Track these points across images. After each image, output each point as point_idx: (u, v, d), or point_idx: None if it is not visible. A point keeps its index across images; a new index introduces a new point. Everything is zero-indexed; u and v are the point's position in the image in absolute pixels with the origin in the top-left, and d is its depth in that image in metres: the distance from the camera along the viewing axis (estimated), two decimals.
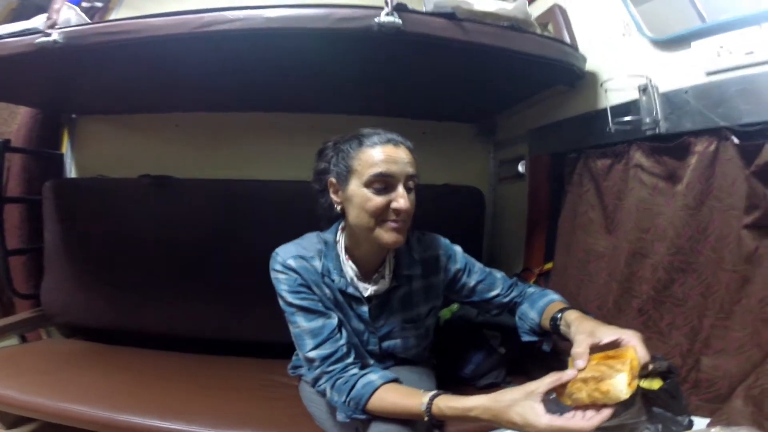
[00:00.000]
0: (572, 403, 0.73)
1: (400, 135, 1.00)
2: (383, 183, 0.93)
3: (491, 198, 2.01)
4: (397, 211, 0.93)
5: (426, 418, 0.84)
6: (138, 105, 1.87)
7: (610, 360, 0.73)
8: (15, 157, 1.86)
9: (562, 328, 0.95)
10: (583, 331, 0.82)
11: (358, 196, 0.95)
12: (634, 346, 0.75)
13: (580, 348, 0.78)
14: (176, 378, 1.41)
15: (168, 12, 1.07)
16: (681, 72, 1.04)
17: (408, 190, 0.96)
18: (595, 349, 0.78)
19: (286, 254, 1.02)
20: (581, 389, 0.72)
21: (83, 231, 1.72)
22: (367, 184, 0.94)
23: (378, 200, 0.93)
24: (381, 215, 0.94)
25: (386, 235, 0.95)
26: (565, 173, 1.44)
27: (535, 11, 1.44)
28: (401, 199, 0.92)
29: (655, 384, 0.80)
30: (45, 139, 1.95)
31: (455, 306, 1.47)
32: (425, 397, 0.85)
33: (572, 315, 0.93)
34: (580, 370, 0.74)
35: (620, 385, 0.68)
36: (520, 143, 1.77)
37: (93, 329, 1.75)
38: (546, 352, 1.10)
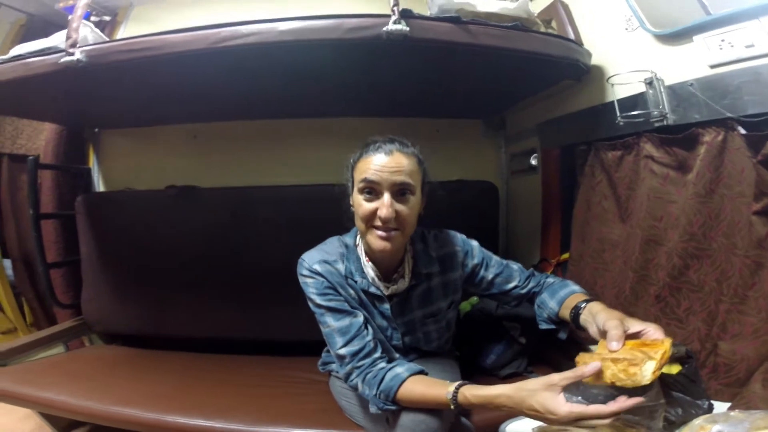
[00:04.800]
0: (592, 381, 0.76)
1: (402, 142, 1.03)
2: (370, 189, 0.99)
3: (505, 191, 2.01)
4: (381, 219, 0.98)
5: (452, 406, 0.89)
6: (157, 117, 1.93)
7: (646, 347, 0.77)
8: (46, 174, 1.95)
9: (583, 316, 0.98)
10: (615, 318, 0.86)
11: (356, 202, 1.02)
12: (672, 341, 0.78)
13: (617, 331, 0.82)
14: (211, 378, 1.49)
15: (186, 28, 1.11)
16: (685, 65, 1.05)
17: (400, 198, 1.00)
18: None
19: (311, 260, 1.08)
20: (609, 368, 0.75)
21: (115, 242, 1.80)
22: (360, 191, 1.01)
23: (367, 206, 0.99)
24: (370, 221, 1.00)
25: (374, 241, 1.01)
26: (576, 165, 1.45)
27: (537, 7, 1.44)
28: (383, 208, 0.97)
29: (674, 369, 0.82)
30: (71, 155, 2.03)
31: (475, 299, 1.50)
32: (451, 387, 0.89)
33: (597, 306, 0.97)
34: (612, 351, 0.79)
35: (647, 371, 0.72)
36: (531, 137, 1.78)
37: (131, 335, 1.84)
38: (565, 342, 1.13)
